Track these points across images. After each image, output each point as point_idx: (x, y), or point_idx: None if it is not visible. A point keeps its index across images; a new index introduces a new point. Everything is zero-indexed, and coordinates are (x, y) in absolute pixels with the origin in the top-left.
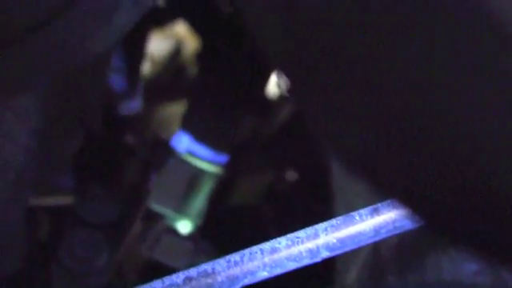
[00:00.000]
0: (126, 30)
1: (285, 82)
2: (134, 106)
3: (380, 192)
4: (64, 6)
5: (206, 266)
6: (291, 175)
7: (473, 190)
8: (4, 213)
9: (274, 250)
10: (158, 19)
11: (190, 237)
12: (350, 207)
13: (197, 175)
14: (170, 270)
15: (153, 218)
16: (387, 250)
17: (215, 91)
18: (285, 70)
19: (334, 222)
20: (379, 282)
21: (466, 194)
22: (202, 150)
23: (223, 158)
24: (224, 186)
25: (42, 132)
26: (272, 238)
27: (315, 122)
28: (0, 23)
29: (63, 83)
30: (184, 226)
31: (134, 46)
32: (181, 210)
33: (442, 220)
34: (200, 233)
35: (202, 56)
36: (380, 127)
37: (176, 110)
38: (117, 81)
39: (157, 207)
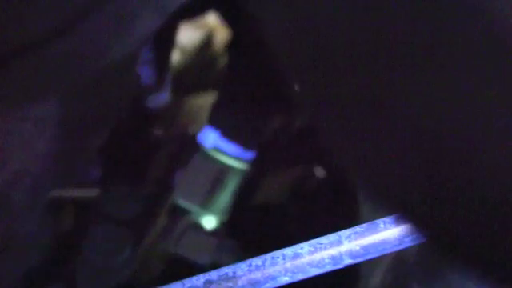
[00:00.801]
0: (150, 32)
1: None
2: (162, 98)
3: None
4: (86, 11)
5: (227, 270)
6: (320, 172)
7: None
8: (21, 219)
9: (296, 256)
10: (189, 11)
11: (215, 233)
12: (375, 213)
13: (223, 171)
14: (194, 266)
15: (177, 213)
16: (411, 256)
17: (244, 86)
18: (299, 83)
19: (357, 229)
20: (404, 285)
21: (481, 217)
22: (229, 146)
23: (250, 154)
24: (250, 182)
25: (64, 133)
26: (296, 237)
27: (330, 137)
28: (21, 29)
29: (87, 85)
30: (209, 222)
31: (163, 39)
32: (206, 206)
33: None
34: (225, 229)
35: (231, 48)
36: (396, 151)
37: (206, 101)
38: (145, 73)
39: (182, 202)
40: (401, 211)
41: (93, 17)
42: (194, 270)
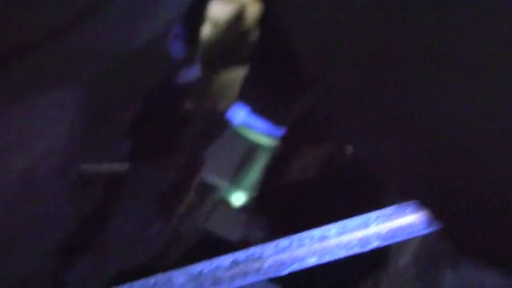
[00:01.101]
0: (178, 12)
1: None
2: (192, 73)
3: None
4: None
5: (254, 251)
6: (351, 148)
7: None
8: (48, 198)
9: (323, 238)
10: None
11: (244, 209)
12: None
13: (252, 148)
14: (223, 242)
15: (207, 189)
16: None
17: (275, 62)
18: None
19: (385, 211)
20: (433, 267)
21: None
22: (259, 122)
23: (280, 131)
24: (280, 158)
25: (92, 112)
26: (325, 214)
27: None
28: (48, 15)
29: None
30: (238, 198)
31: (194, 13)
32: (235, 182)
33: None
34: (254, 205)
35: (263, 23)
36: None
37: (236, 76)
38: (175, 48)
39: (211, 178)
40: (414, 200)
41: (119, 1)
42: (222, 245)
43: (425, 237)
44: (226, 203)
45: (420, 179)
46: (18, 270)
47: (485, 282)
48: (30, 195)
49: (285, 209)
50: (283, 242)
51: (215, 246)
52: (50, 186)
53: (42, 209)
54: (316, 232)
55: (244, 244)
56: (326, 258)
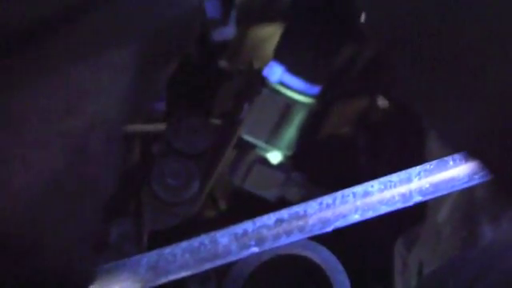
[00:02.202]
0: None
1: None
2: (228, 32)
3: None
4: None
5: (298, 209)
6: (383, 103)
7: None
8: (97, 164)
9: (366, 194)
10: None
11: (282, 167)
12: (442, 148)
13: (289, 106)
14: (261, 200)
15: (244, 147)
16: (481, 190)
17: (309, 20)
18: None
19: (427, 166)
20: (471, 222)
21: None
22: (295, 80)
23: (316, 89)
24: (316, 114)
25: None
26: (363, 170)
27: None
28: None
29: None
30: (275, 157)
31: None
32: (272, 141)
33: None
34: (292, 163)
35: None
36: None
37: (270, 33)
38: (211, 7)
39: (248, 137)
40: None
41: None
42: (261, 204)
43: (462, 192)
44: (264, 161)
45: (476, 127)
46: (69, 235)
47: None
48: (83, 159)
49: (323, 165)
50: (326, 199)
51: (253, 206)
52: (102, 150)
53: (94, 173)
54: (358, 188)
55: (282, 203)
56: (369, 214)
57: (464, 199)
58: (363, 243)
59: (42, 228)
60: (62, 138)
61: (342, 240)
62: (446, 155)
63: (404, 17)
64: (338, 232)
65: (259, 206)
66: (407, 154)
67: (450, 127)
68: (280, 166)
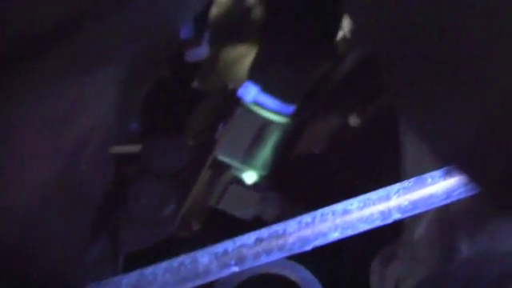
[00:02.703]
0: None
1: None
2: (201, 52)
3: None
4: None
5: (277, 227)
6: (355, 121)
7: None
8: (89, 179)
9: (345, 212)
10: None
11: (257, 187)
12: (417, 164)
13: (264, 126)
14: (235, 220)
15: (220, 167)
16: (456, 207)
17: (283, 39)
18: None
19: (405, 183)
20: (448, 239)
21: None
22: (270, 100)
23: (291, 108)
24: (289, 133)
25: (123, 93)
26: (337, 187)
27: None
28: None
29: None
30: (251, 177)
31: None
32: (247, 161)
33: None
34: (267, 183)
35: (269, 3)
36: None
37: (242, 52)
38: (184, 28)
39: (223, 157)
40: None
41: None
42: (235, 224)
43: (438, 209)
44: (239, 182)
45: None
46: (60, 248)
47: (502, 249)
48: (74, 173)
49: (298, 184)
50: (305, 217)
51: (229, 226)
52: (91, 164)
53: (83, 187)
54: (338, 206)
55: (258, 223)
56: (348, 233)
57: (440, 216)
58: (340, 261)
59: (35, 242)
60: (54, 152)
61: (319, 258)
62: (421, 173)
63: (397, 21)
64: (315, 250)
65: (233, 226)
66: (381, 173)
67: (442, 139)
68: (255, 185)
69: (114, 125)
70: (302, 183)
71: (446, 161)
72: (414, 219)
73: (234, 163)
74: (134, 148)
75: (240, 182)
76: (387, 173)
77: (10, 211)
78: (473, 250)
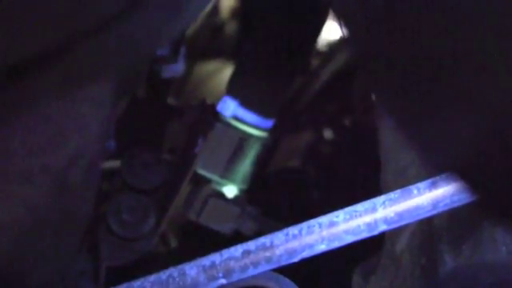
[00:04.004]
0: (199, 13)
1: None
2: (177, 68)
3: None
4: None
5: (265, 240)
6: (328, 134)
7: None
8: (78, 199)
9: (332, 224)
10: None
11: (237, 201)
12: (400, 175)
13: (243, 140)
14: (212, 235)
15: (199, 181)
16: (439, 219)
17: (260, 54)
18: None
19: (391, 195)
20: (430, 251)
21: None
22: (248, 114)
23: (270, 122)
24: (267, 148)
25: (112, 112)
26: (315, 200)
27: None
28: (83, 15)
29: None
30: (230, 191)
31: None
32: (227, 175)
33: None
34: (246, 197)
35: (242, 17)
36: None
37: (216, 67)
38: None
39: (203, 172)
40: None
41: (151, 1)
42: (216, 238)
43: (420, 221)
44: (218, 196)
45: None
46: (52, 266)
47: (487, 259)
48: (64, 192)
49: (272, 200)
50: (292, 229)
51: (209, 240)
52: (81, 183)
53: (74, 205)
54: (324, 219)
55: (237, 236)
56: (335, 244)
57: (422, 227)
58: (320, 273)
59: (27, 261)
60: (44, 172)
61: (300, 270)
62: (405, 185)
63: (390, 20)
64: (299, 262)
65: (211, 241)
66: (358, 186)
67: (439, 144)
68: (235, 199)
69: (105, 139)
70: (278, 198)
71: (443, 167)
72: (395, 231)
73: (214, 177)
74: (112, 164)
75: (220, 195)
76: (364, 187)
77: (2, 233)
78: (457, 262)
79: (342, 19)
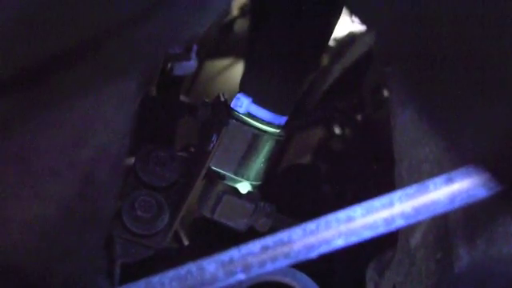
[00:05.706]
0: (223, 10)
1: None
2: (189, 66)
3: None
4: None
5: (282, 235)
6: (337, 130)
7: None
8: (104, 195)
9: (349, 219)
10: None
11: (250, 197)
12: (414, 172)
13: (257, 137)
14: (229, 231)
15: (213, 178)
16: (454, 214)
17: (274, 51)
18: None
19: (408, 190)
20: (445, 245)
21: None
22: (262, 111)
23: (283, 119)
24: (281, 144)
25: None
26: (326, 196)
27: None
28: (110, 12)
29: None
30: (244, 187)
31: None
32: (240, 172)
33: None
34: (260, 193)
35: (253, 14)
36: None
37: (225, 65)
38: None
39: (217, 168)
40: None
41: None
42: (230, 235)
43: (435, 216)
44: (232, 192)
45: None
46: (79, 261)
47: (503, 252)
48: (91, 187)
49: (285, 196)
50: (310, 225)
51: (223, 236)
52: (107, 179)
53: (100, 200)
54: (342, 214)
55: (251, 233)
56: (353, 240)
57: (437, 222)
58: (335, 268)
59: (54, 256)
60: (71, 167)
61: (315, 265)
62: (417, 182)
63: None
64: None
65: (222, 238)
66: (369, 181)
67: (467, 137)
68: (249, 196)
69: (131, 135)
70: (291, 194)
71: (470, 158)
72: (410, 226)
73: (228, 174)
74: (127, 161)
75: (234, 192)
76: (376, 182)
77: (30, 223)
78: (472, 256)
79: (367, 19)
